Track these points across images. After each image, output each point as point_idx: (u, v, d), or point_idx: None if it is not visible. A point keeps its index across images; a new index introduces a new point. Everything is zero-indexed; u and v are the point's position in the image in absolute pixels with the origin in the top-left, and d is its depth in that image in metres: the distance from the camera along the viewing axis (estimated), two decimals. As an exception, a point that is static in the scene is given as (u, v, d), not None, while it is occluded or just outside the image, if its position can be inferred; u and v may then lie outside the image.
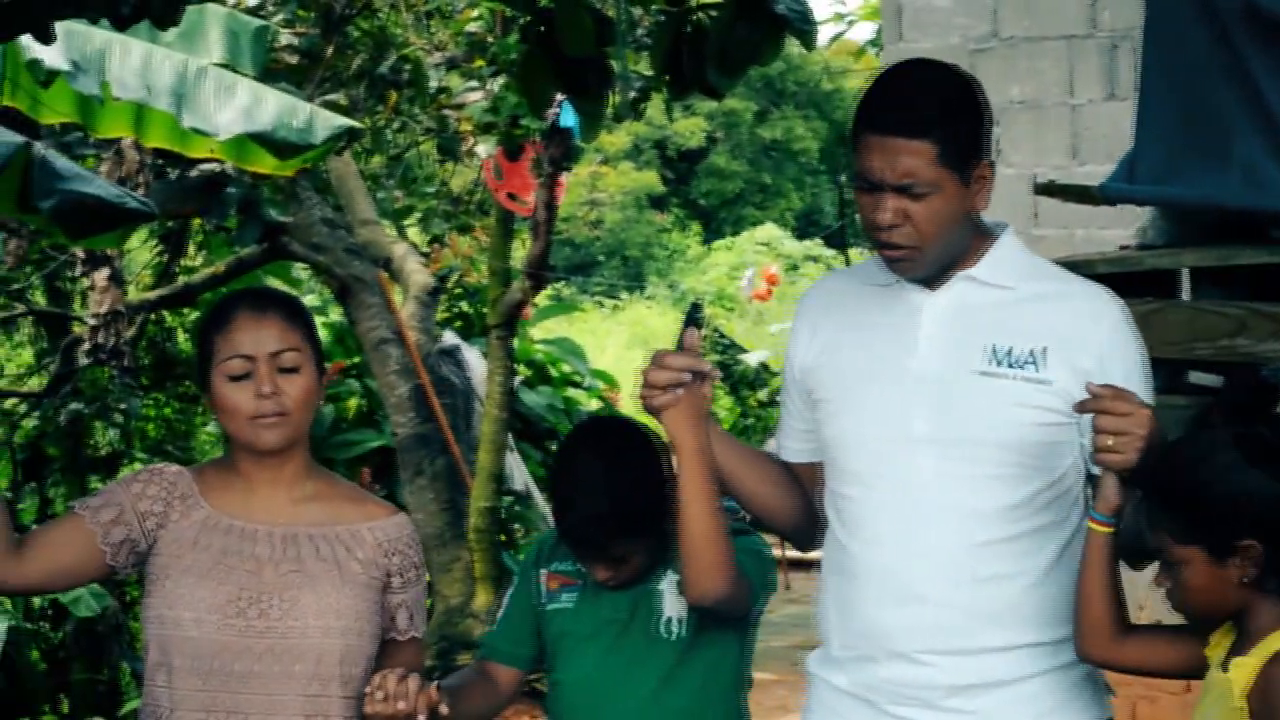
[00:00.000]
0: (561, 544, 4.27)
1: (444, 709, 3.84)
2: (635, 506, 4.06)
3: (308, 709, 3.86)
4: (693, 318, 3.89)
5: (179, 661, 3.85)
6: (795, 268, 34.74)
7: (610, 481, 4.07)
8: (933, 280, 3.83)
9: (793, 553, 14.15)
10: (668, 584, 4.16)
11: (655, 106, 12.15)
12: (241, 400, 3.89)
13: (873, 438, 3.84)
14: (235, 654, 3.84)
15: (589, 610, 4.23)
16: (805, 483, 4.09)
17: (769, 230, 39.19)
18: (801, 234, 40.14)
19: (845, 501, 3.91)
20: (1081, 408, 3.60)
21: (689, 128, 43.43)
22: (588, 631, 4.23)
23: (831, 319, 3.98)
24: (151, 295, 12.89)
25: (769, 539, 4.44)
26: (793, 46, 5.61)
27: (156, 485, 4.00)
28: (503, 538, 13.17)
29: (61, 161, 6.27)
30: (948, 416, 3.76)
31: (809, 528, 4.10)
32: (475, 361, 13.91)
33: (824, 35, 15.46)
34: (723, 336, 24.07)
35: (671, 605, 4.15)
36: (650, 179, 42.68)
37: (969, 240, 3.81)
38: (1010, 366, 3.76)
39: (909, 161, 3.66)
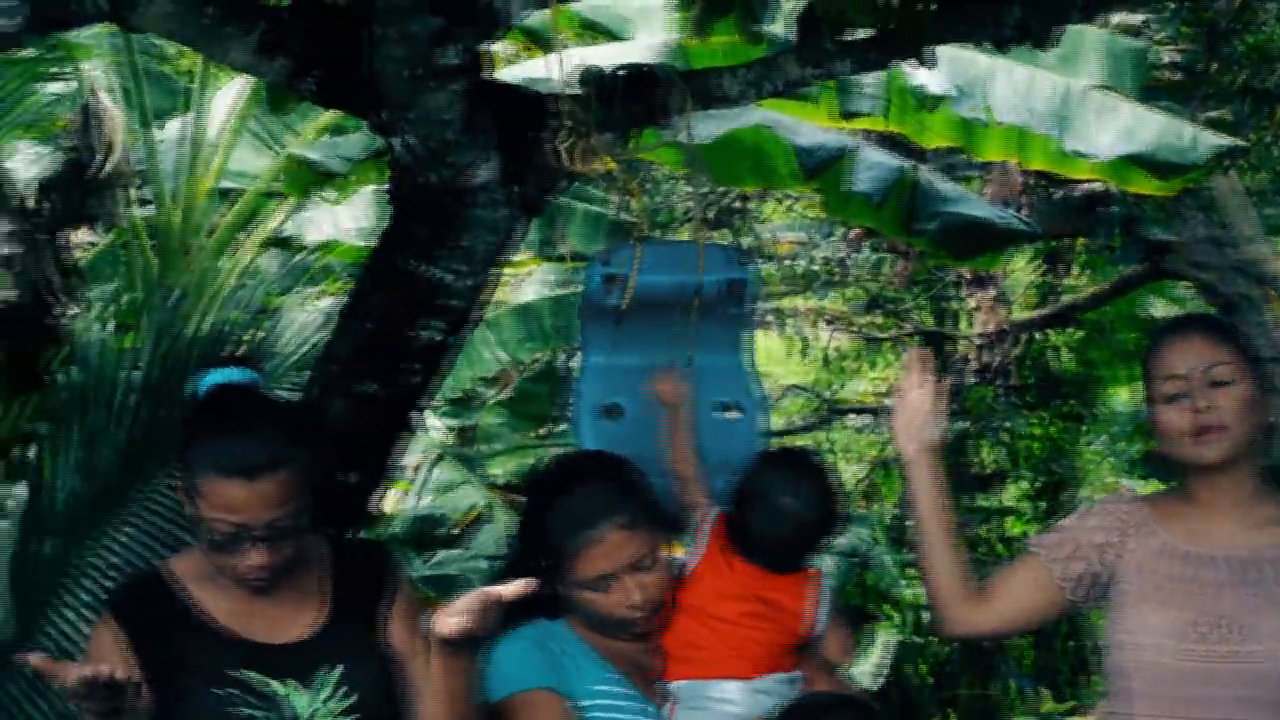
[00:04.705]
0: None
1: None
2: None
3: None
4: None
5: (1139, 687, 3.88)
6: None
7: None
8: None
9: None
10: None
11: None
12: (1177, 419, 3.90)
13: None
14: (1194, 680, 3.82)
15: None
16: None
17: None
18: None
19: None
20: None
21: None
22: None
23: None
24: (1034, 315, 12.96)
25: None
26: None
27: (1109, 516, 4.04)
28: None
29: (943, 184, 6.41)
30: None
31: None
32: (1371, 381, 13.30)
33: None
34: None
35: None
36: None
37: None
38: None
39: None
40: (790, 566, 4.03)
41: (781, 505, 3.97)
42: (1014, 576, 4.10)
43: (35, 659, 3.44)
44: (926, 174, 6.46)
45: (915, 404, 4.07)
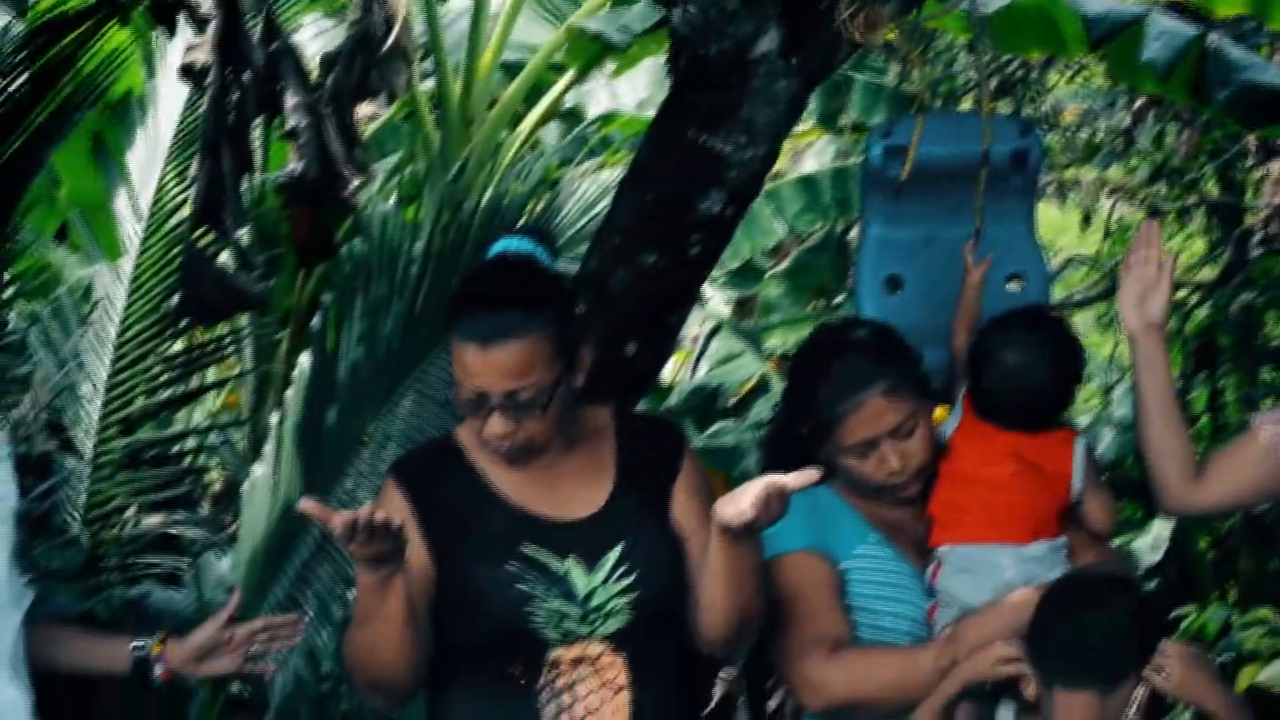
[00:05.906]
0: None
1: None
2: None
3: None
4: None
5: None
6: None
7: None
8: None
9: None
10: None
11: None
12: None
13: None
14: None
15: None
16: None
17: None
18: None
19: None
20: None
21: None
22: None
23: None
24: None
25: None
26: None
27: None
28: None
29: (1235, 51, 6.24)
30: None
31: None
32: None
33: None
34: None
35: None
36: None
37: None
38: None
39: None
40: (1033, 424, 4.01)
41: (1006, 360, 3.97)
42: (1237, 452, 4.02)
43: (308, 504, 3.46)
44: (1218, 41, 6.30)
45: (1144, 278, 4.02)
